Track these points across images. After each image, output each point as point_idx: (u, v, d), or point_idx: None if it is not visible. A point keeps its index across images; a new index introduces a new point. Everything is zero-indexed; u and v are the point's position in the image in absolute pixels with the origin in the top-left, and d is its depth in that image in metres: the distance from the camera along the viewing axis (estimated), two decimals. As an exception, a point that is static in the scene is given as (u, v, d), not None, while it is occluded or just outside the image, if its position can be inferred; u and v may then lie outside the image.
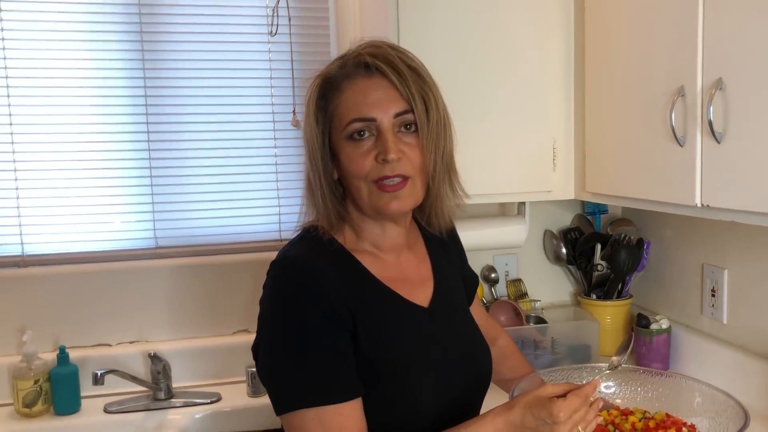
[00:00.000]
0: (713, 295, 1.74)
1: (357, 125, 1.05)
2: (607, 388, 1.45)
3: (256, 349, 1.08)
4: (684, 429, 1.32)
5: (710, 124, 1.22)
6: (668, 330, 1.85)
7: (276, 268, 1.06)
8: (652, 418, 1.36)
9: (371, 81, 1.06)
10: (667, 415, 1.37)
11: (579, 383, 1.03)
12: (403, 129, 1.06)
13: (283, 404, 1.01)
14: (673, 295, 1.92)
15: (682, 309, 1.88)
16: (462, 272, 1.35)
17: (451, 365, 1.14)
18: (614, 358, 1.32)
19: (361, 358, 1.04)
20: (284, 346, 1.01)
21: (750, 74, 1.16)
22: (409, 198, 1.07)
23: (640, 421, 1.35)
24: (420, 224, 1.25)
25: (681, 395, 1.39)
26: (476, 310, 1.37)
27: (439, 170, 1.10)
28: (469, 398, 1.18)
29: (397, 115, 1.05)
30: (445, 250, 1.29)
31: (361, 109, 1.05)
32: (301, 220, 1.17)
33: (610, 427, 1.34)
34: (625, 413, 1.39)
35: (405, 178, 1.05)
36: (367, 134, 1.05)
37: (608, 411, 1.42)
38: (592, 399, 1.01)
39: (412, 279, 1.17)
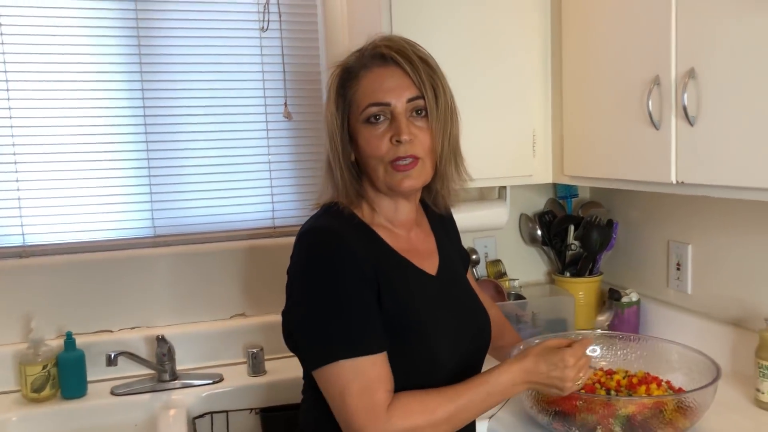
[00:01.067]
0: (678, 269, 1.90)
1: (373, 109, 1.16)
2: (592, 351, 1.59)
3: (287, 314, 1.19)
4: (663, 383, 1.47)
5: (684, 109, 1.37)
6: (638, 302, 2.00)
7: (307, 236, 1.17)
8: (635, 375, 1.51)
9: (386, 70, 1.18)
10: (647, 374, 1.52)
11: (574, 338, 1.20)
12: (414, 114, 1.18)
13: (321, 357, 1.10)
14: (641, 271, 2.08)
15: (649, 283, 2.04)
16: (458, 248, 1.48)
17: (459, 326, 1.26)
18: (599, 319, 1.45)
19: (385, 315, 1.14)
20: (321, 304, 1.12)
21: (720, 64, 1.31)
22: (419, 177, 1.19)
23: (623, 378, 1.49)
24: (425, 203, 1.37)
25: (658, 355, 1.54)
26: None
27: (446, 153, 1.22)
28: (474, 358, 1.30)
29: (410, 100, 1.17)
30: (445, 228, 1.42)
31: (377, 95, 1.16)
32: (320, 200, 1.27)
33: (597, 385, 1.48)
34: (609, 373, 1.53)
35: (416, 159, 1.17)
36: (382, 118, 1.17)
37: (594, 371, 1.56)
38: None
39: (421, 251, 1.29)
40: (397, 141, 1.15)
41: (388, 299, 1.15)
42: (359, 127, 1.18)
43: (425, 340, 1.17)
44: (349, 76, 1.20)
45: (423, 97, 1.17)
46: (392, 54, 1.18)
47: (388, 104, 1.16)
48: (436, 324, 1.20)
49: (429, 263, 1.29)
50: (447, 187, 1.30)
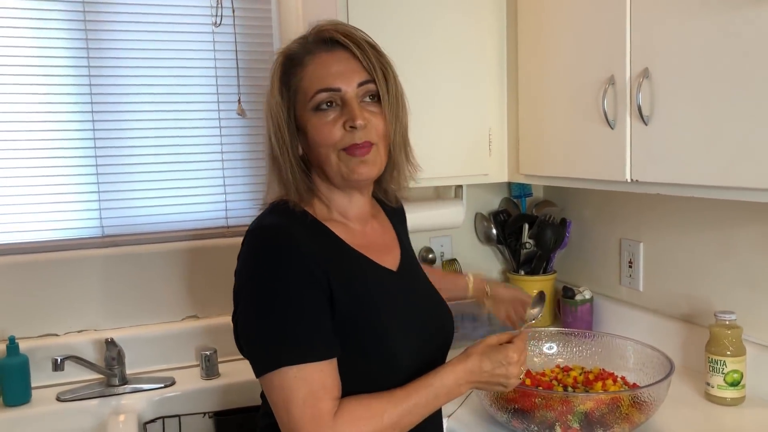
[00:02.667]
0: (630, 266, 1.94)
1: (323, 95, 1.10)
2: (549, 348, 1.61)
3: (235, 317, 1.13)
4: (618, 379, 1.49)
5: (639, 108, 1.39)
6: (591, 300, 2.04)
7: (252, 236, 1.11)
8: (591, 372, 1.53)
9: (333, 54, 1.13)
10: (603, 370, 1.54)
11: (513, 332, 1.19)
12: (366, 99, 1.13)
13: (265, 364, 1.05)
14: (594, 269, 2.11)
15: (602, 280, 2.07)
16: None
17: (421, 323, 1.21)
18: (531, 310, 1.38)
19: (340, 317, 1.10)
20: (265, 308, 1.06)
21: (673, 64, 1.33)
22: (374, 163, 1.14)
23: (580, 375, 1.51)
24: (378, 198, 1.33)
25: (613, 352, 1.57)
26: None
27: (398, 140, 1.18)
28: (437, 356, 1.25)
29: (360, 84, 1.12)
30: (399, 220, 1.38)
31: (326, 80, 1.11)
32: (266, 198, 1.21)
33: (555, 382, 1.49)
34: (566, 369, 1.55)
35: (371, 144, 1.12)
36: (332, 105, 1.11)
37: (551, 369, 1.58)
38: None
39: (379, 245, 1.24)
40: (351, 127, 1.09)
41: (343, 299, 1.10)
42: (308, 116, 1.13)
43: (384, 340, 1.13)
44: (292, 63, 1.15)
45: (374, 81, 1.13)
46: (339, 37, 1.13)
47: (338, 89, 1.10)
48: (395, 322, 1.16)
49: (389, 258, 1.24)
50: (398, 178, 1.25)
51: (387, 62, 1.17)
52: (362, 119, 1.10)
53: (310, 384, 1.04)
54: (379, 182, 1.26)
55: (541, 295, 1.43)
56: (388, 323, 1.15)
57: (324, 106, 1.11)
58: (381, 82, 1.14)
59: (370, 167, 1.13)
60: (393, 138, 1.17)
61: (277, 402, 1.05)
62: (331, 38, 1.13)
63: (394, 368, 1.14)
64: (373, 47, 1.16)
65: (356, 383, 1.10)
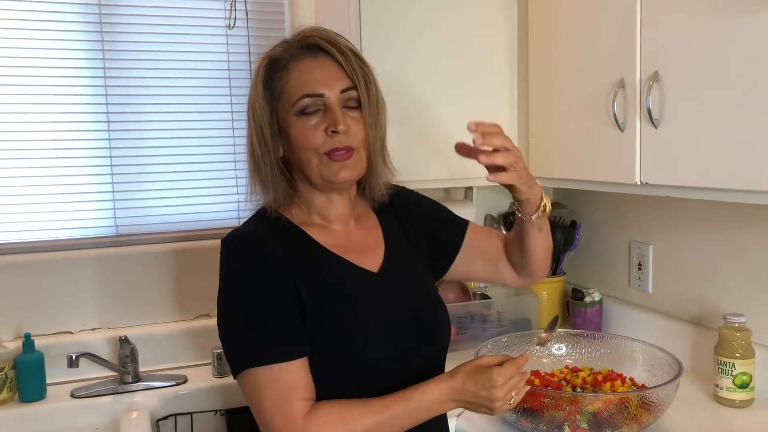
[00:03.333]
0: (639, 269, 1.95)
1: (306, 101, 1.13)
2: (558, 350, 1.62)
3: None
4: (627, 380, 1.50)
5: (649, 111, 1.40)
6: (600, 302, 2.04)
7: (224, 244, 1.16)
8: (599, 372, 1.54)
9: (317, 60, 1.16)
10: (611, 371, 1.55)
11: (513, 356, 1.14)
12: (348, 105, 1.16)
13: (237, 365, 1.10)
14: (603, 271, 2.12)
15: (611, 283, 2.08)
16: (436, 228, 1.38)
17: (402, 327, 1.20)
18: (543, 335, 1.46)
19: (310, 319, 1.12)
20: (234, 312, 1.12)
21: (683, 68, 1.34)
22: (355, 167, 1.17)
23: (589, 376, 1.52)
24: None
25: (621, 353, 1.58)
26: (477, 235, 1.41)
27: (377, 145, 1.21)
28: (427, 362, 1.23)
29: (343, 91, 1.15)
30: (399, 219, 1.35)
31: (310, 86, 1.13)
32: (252, 203, 1.25)
33: (563, 383, 1.50)
34: (575, 370, 1.56)
35: (351, 150, 1.15)
36: (315, 109, 1.14)
37: (560, 370, 1.59)
38: (523, 371, 1.12)
39: (361, 246, 1.24)
40: (333, 132, 1.12)
41: (312, 301, 1.12)
42: (291, 120, 1.15)
43: (353, 341, 1.14)
44: (276, 67, 1.17)
45: (356, 88, 1.16)
46: (322, 43, 1.16)
47: (321, 95, 1.13)
48: (368, 324, 1.16)
49: (370, 259, 1.24)
50: (376, 181, 1.27)
51: (369, 70, 1.20)
52: (344, 124, 1.13)
53: (278, 384, 1.07)
54: (358, 184, 1.28)
55: (555, 320, 1.45)
56: (359, 324, 1.15)
57: (307, 111, 1.14)
58: (363, 89, 1.16)
59: (350, 171, 1.16)
60: (372, 143, 1.19)
61: (251, 402, 1.10)
62: (316, 44, 1.16)
63: (370, 369, 1.14)
64: (356, 55, 1.18)
65: (334, 386, 1.12)
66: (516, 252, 1.35)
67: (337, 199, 1.23)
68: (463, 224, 1.40)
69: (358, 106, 1.17)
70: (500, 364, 1.09)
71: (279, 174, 1.19)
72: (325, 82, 1.14)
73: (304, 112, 1.14)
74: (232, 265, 1.13)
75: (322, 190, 1.20)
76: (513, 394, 1.10)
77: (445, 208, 1.43)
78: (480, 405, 1.10)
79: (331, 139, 1.13)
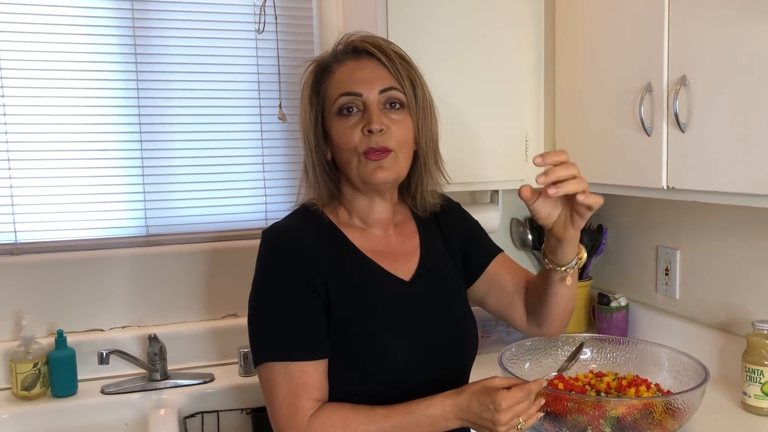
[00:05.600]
0: (667, 274, 1.93)
1: (344, 99, 1.15)
2: (582, 354, 1.61)
3: None
4: (652, 386, 1.49)
5: (676, 115, 1.40)
6: (626, 307, 2.03)
7: (264, 236, 1.18)
8: (624, 378, 1.53)
9: (359, 62, 1.18)
10: (636, 376, 1.54)
11: (526, 380, 1.11)
12: (388, 106, 1.16)
13: (257, 357, 1.13)
14: (630, 276, 2.10)
15: (637, 288, 2.06)
16: (469, 247, 1.37)
17: (428, 336, 1.19)
18: (565, 363, 1.48)
19: (336, 321, 1.13)
20: (260, 306, 1.15)
21: (711, 72, 1.33)
22: (392, 168, 1.15)
23: (613, 381, 1.51)
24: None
25: (647, 358, 1.57)
26: (502, 266, 1.37)
27: (427, 148, 1.21)
28: (450, 371, 1.22)
29: (382, 91, 1.15)
30: (440, 228, 1.35)
31: (348, 85, 1.15)
32: (298, 199, 1.26)
33: (587, 387, 1.50)
34: (599, 375, 1.56)
35: (388, 150, 1.14)
36: (354, 110, 1.15)
37: (584, 374, 1.58)
38: (537, 395, 1.09)
39: (397, 253, 1.25)
40: (369, 131, 1.12)
41: (340, 303, 1.14)
42: (332, 120, 1.17)
43: (376, 347, 1.14)
44: (323, 71, 1.20)
45: (397, 89, 1.16)
46: (366, 46, 1.17)
47: (359, 94, 1.14)
48: (392, 331, 1.16)
49: (403, 267, 1.24)
50: (424, 187, 1.27)
51: (416, 73, 1.20)
52: (379, 124, 1.12)
53: (291, 381, 1.10)
54: (408, 189, 1.29)
55: (579, 348, 1.45)
56: (384, 330, 1.16)
57: (345, 111, 1.15)
58: (408, 90, 1.17)
59: (387, 172, 1.15)
60: (421, 146, 1.20)
61: (264, 394, 1.13)
62: (361, 48, 1.17)
63: (390, 376, 1.15)
64: (402, 57, 1.19)
65: (353, 389, 1.14)
66: (535, 298, 1.30)
67: (379, 202, 1.23)
68: (492, 252, 1.38)
69: (401, 108, 1.17)
70: (509, 388, 1.07)
71: (325, 175, 1.21)
72: (365, 81, 1.15)
73: (342, 112, 1.15)
74: (268, 258, 1.15)
75: (364, 192, 1.21)
76: (520, 419, 1.06)
77: (484, 232, 1.41)
78: (483, 427, 1.08)
79: (367, 138, 1.13)
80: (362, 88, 1.14)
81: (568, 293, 1.25)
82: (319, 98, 1.19)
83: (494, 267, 1.36)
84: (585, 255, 1.18)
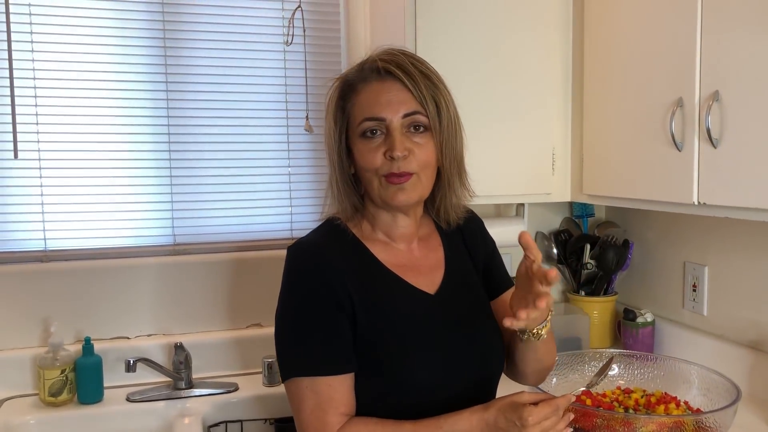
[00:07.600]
0: (694, 290, 1.91)
1: (368, 124, 1.15)
2: (611, 370, 1.60)
3: None
4: (681, 403, 1.47)
5: (708, 131, 1.39)
6: (652, 323, 2.01)
7: (289, 251, 1.19)
8: (652, 395, 1.51)
9: (384, 84, 1.16)
10: (665, 393, 1.52)
11: (554, 395, 1.10)
12: (412, 129, 1.15)
13: (284, 371, 1.14)
14: (656, 291, 2.08)
15: (664, 303, 2.05)
16: (490, 265, 1.37)
17: (453, 350, 1.19)
18: (593, 379, 1.46)
19: (361, 336, 1.13)
20: (287, 321, 1.15)
21: (744, 87, 1.33)
22: (413, 191, 1.16)
23: (641, 397, 1.50)
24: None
25: (676, 375, 1.55)
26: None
27: (451, 168, 1.21)
28: (478, 387, 1.22)
29: (406, 115, 1.14)
30: (465, 242, 1.34)
31: (373, 110, 1.14)
32: (322, 214, 1.27)
33: (616, 404, 1.48)
34: (627, 392, 1.54)
35: (410, 174, 1.14)
36: (378, 132, 1.15)
37: (612, 391, 1.57)
38: (566, 411, 1.08)
39: (421, 267, 1.25)
40: (391, 157, 1.13)
41: (365, 318, 1.14)
42: (356, 141, 1.17)
43: (402, 361, 1.14)
44: (348, 89, 1.19)
45: (421, 113, 1.15)
46: (390, 68, 1.15)
47: (383, 119, 1.14)
48: (417, 346, 1.16)
49: (428, 280, 1.24)
50: (451, 202, 1.26)
51: (441, 92, 1.18)
52: (402, 150, 1.12)
53: (318, 396, 1.10)
54: (432, 203, 1.28)
55: (608, 363, 1.44)
56: (408, 344, 1.16)
57: (369, 134, 1.15)
58: (432, 113, 1.15)
59: (409, 195, 1.16)
60: (445, 166, 1.19)
61: (292, 408, 1.14)
62: (385, 69, 1.16)
63: (416, 390, 1.14)
64: (427, 77, 1.17)
65: (378, 404, 1.13)
66: (507, 351, 1.30)
67: (402, 218, 1.23)
68: (508, 281, 1.37)
69: (426, 130, 1.16)
70: (537, 403, 1.06)
71: (348, 190, 1.21)
72: (389, 105, 1.14)
73: (365, 135, 1.16)
74: (293, 274, 1.16)
75: (386, 209, 1.22)
76: None
77: (502, 260, 1.41)
78: None
79: (389, 163, 1.13)
80: (386, 112, 1.14)
81: (533, 356, 1.24)
82: (344, 115, 1.19)
83: (505, 296, 1.35)
84: (545, 330, 1.16)
